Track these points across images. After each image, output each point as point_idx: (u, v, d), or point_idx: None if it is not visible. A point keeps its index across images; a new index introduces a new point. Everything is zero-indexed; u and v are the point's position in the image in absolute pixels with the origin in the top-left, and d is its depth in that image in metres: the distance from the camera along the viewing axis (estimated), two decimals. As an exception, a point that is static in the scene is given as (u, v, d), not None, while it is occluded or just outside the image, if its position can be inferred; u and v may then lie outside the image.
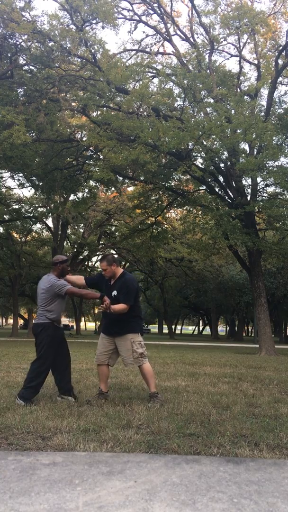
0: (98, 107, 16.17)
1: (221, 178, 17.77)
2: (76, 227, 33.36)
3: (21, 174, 21.18)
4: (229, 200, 17.30)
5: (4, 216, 26.10)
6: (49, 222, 30.05)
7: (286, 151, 15.99)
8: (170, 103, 17.19)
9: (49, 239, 31.17)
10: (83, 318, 61.52)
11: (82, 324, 58.93)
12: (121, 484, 2.31)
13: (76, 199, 23.62)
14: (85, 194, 23.13)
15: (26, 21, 14.25)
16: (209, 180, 17.60)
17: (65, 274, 4.76)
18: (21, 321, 51.96)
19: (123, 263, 35.19)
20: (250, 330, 66.51)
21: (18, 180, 22.62)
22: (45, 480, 2.34)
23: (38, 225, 31.55)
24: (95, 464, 2.60)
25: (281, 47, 16.73)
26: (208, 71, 16.49)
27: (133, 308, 4.58)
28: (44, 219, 28.39)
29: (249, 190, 17.62)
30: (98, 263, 40.39)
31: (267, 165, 16.39)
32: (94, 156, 18.76)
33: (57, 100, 15.55)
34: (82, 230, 32.71)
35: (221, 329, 74.28)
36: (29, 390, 4.42)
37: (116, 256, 4.85)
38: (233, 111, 15.78)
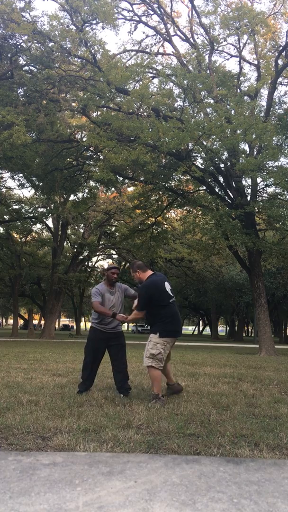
0: (98, 107, 16.17)
1: (221, 179, 17.76)
2: (76, 227, 33.37)
3: (21, 175, 21.17)
4: (229, 200, 17.29)
5: (4, 217, 26.14)
6: (49, 222, 30.08)
7: (286, 151, 15.98)
8: (170, 103, 17.19)
9: (49, 239, 31.17)
10: (83, 319, 61.48)
11: (82, 324, 58.86)
12: (121, 484, 2.31)
13: (76, 199, 23.61)
14: (85, 194, 23.11)
15: (26, 22, 14.26)
16: (209, 180, 17.59)
17: (110, 281, 5.08)
18: (21, 321, 51.92)
19: (123, 263, 35.16)
20: (250, 330, 66.49)
21: (18, 180, 22.62)
22: (45, 480, 2.34)
23: (38, 226, 31.60)
24: (95, 464, 2.60)
25: (281, 48, 16.74)
26: (208, 72, 16.49)
27: (154, 313, 4.67)
28: (44, 220, 28.40)
29: (249, 191, 17.61)
30: (98, 263, 40.54)
31: (267, 166, 16.38)
32: (94, 156, 18.74)
33: (57, 100, 15.55)
34: (82, 231, 32.70)
35: (221, 329, 74.27)
36: (81, 383, 5.08)
37: (140, 262, 4.94)
38: (233, 111, 15.78)
